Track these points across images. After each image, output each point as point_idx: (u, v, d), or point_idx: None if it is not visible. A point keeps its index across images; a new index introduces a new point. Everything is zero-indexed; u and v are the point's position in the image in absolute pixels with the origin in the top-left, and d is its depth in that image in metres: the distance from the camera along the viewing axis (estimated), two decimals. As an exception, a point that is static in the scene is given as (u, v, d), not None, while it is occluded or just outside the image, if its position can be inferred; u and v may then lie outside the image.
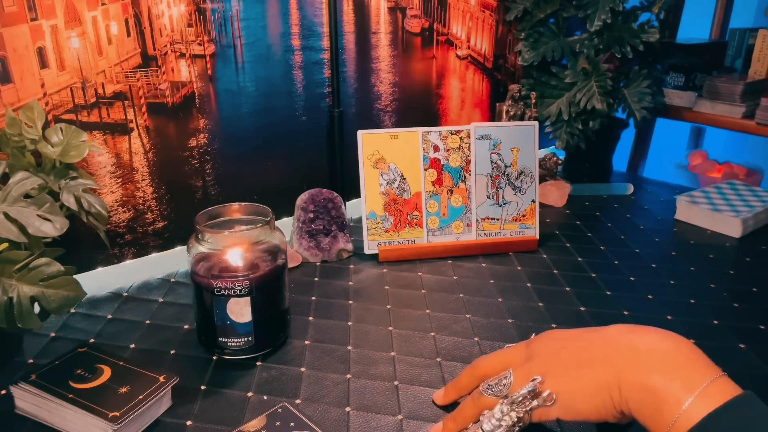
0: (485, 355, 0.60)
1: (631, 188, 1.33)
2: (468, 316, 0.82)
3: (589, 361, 0.50)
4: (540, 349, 0.54)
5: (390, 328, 0.79)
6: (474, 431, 0.53)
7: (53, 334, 0.76)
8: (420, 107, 1.33)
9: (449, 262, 0.99)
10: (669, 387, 0.44)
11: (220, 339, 0.70)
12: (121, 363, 0.65)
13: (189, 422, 0.62)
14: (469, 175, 1.00)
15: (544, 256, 1.01)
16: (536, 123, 1.01)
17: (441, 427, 0.59)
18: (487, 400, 0.53)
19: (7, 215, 0.60)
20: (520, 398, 0.51)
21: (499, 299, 0.87)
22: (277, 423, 0.60)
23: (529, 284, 0.91)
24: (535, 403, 0.51)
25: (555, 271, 0.96)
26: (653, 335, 0.48)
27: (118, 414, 0.57)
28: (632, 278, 0.94)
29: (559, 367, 0.51)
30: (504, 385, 0.53)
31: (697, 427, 0.42)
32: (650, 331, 0.49)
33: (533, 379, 0.51)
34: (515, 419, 0.51)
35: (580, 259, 1.00)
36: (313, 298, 0.87)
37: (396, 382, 0.68)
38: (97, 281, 0.88)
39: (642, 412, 0.46)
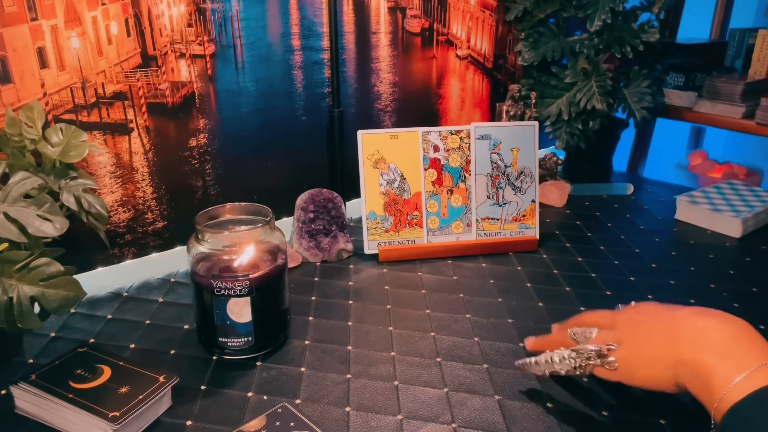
0: (576, 316, 0.68)
1: (631, 188, 1.33)
2: (468, 316, 0.82)
3: (654, 336, 0.55)
4: (623, 321, 0.60)
5: (390, 328, 0.79)
6: (547, 357, 0.62)
7: (53, 334, 0.76)
8: (420, 107, 1.33)
9: (449, 262, 0.99)
10: (720, 366, 0.49)
11: (220, 339, 0.70)
12: (121, 363, 0.65)
13: (189, 422, 0.62)
14: (469, 175, 1.00)
15: (544, 256, 1.01)
16: (536, 123, 1.01)
17: (534, 340, 0.70)
18: (569, 340, 0.62)
19: (7, 215, 0.60)
20: (584, 353, 0.59)
21: (499, 299, 0.87)
22: (277, 423, 0.60)
23: (529, 284, 0.91)
24: (598, 361, 0.58)
25: (555, 271, 0.96)
26: (716, 318, 0.53)
27: (118, 414, 0.57)
28: (632, 278, 0.94)
29: (632, 339, 0.57)
30: (585, 336, 0.60)
31: (740, 402, 0.46)
32: (715, 315, 0.54)
33: (608, 346, 0.57)
34: (576, 365, 0.59)
35: (580, 259, 1.00)
36: (313, 298, 0.87)
37: (396, 382, 0.68)
38: (97, 281, 0.88)
39: (694, 385, 0.50)
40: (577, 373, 0.60)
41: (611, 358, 0.57)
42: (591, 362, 0.58)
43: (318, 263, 0.97)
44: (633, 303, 0.64)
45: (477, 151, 1.00)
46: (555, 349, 0.62)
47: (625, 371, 0.56)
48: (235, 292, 0.68)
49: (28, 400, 0.61)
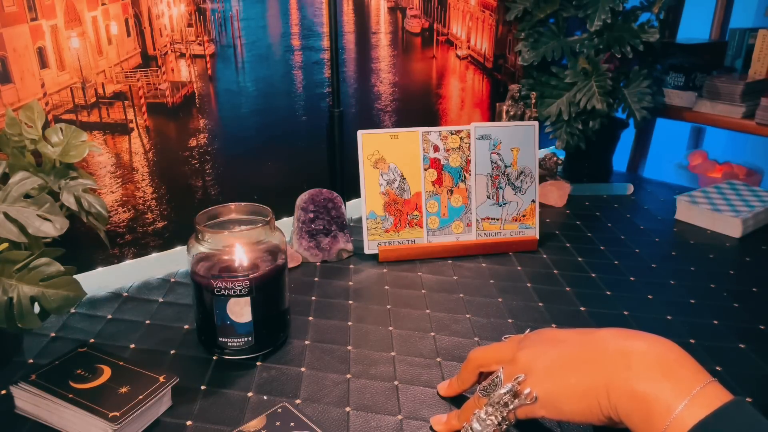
0: (479, 347, 0.61)
1: (631, 188, 1.33)
2: (468, 316, 0.82)
3: (577, 364, 0.50)
4: (529, 348, 0.54)
5: (390, 328, 0.79)
6: (465, 430, 0.55)
7: (53, 334, 0.76)
8: (420, 107, 1.33)
9: (449, 262, 0.99)
10: (659, 394, 0.44)
11: (220, 339, 0.70)
12: (121, 363, 0.65)
13: (189, 422, 0.62)
14: (469, 175, 1.00)
15: (544, 256, 1.01)
16: (536, 123, 1.01)
17: (446, 419, 0.60)
18: (484, 400, 0.55)
19: (7, 215, 0.60)
20: (498, 399, 0.52)
21: (499, 299, 0.87)
22: (277, 423, 0.60)
23: (529, 284, 0.91)
24: (516, 402, 0.52)
25: (555, 271, 0.96)
26: (643, 340, 0.48)
27: (118, 414, 0.57)
28: (632, 278, 0.94)
29: (545, 367, 0.51)
30: (495, 384, 0.54)
31: None
32: (640, 336, 0.49)
33: (515, 378, 0.52)
34: (500, 419, 0.53)
35: (580, 259, 1.00)
36: (313, 298, 0.87)
37: (396, 382, 0.68)
38: (97, 281, 0.88)
39: (632, 419, 0.45)
40: (504, 427, 0.53)
41: (526, 390, 0.51)
42: (511, 407, 0.51)
43: (318, 263, 0.97)
44: (528, 330, 0.58)
45: (477, 151, 1.00)
46: (471, 416, 0.55)
47: (549, 405, 0.50)
48: (235, 292, 0.68)
49: (28, 400, 0.61)
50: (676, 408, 0.43)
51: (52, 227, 0.62)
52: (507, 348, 0.57)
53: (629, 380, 0.46)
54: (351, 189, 1.14)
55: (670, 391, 0.44)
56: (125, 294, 0.87)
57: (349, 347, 0.75)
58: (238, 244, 0.69)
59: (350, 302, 0.86)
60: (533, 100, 1.21)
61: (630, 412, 0.45)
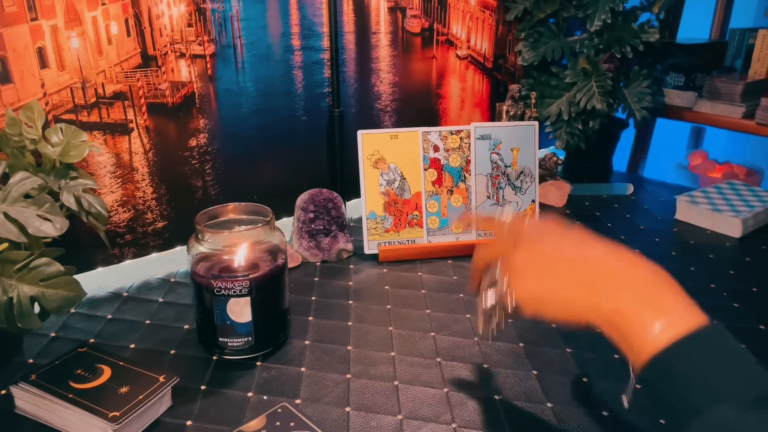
0: (479, 247, 0.60)
1: (631, 188, 1.33)
2: (468, 316, 0.82)
3: (566, 279, 0.51)
4: (524, 252, 0.54)
5: (390, 328, 0.79)
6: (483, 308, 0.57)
7: (53, 334, 0.76)
8: (420, 107, 1.33)
9: (449, 262, 0.99)
10: (639, 313, 0.46)
11: (220, 339, 0.70)
12: (121, 363, 0.65)
13: (189, 422, 0.62)
14: (469, 175, 1.00)
15: (544, 256, 1.01)
16: (536, 123, 1.01)
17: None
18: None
19: (7, 215, 0.60)
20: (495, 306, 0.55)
21: (499, 299, 0.87)
22: (277, 423, 0.60)
23: (529, 284, 0.91)
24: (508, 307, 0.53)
25: (555, 271, 0.95)
26: (630, 261, 0.51)
27: (118, 414, 0.57)
28: (632, 278, 0.93)
29: (539, 273, 0.52)
30: (492, 281, 0.57)
31: (661, 353, 0.43)
32: (629, 257, 0.51)
33: (504, 282, 0.54)
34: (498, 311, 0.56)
35: (580, 259, 1.00)
36: (313, 298, 0.87)
37: (396, 382, 0.68)
38: (97, 281, 0.88)
39: (613, 334, 0.48)
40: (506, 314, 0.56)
41: (513, 296, 0.53)
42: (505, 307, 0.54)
43: (318, 263, 0.97)
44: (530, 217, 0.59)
45: (477, 151, 1.00)
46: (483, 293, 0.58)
47: (534, 308, 0.52)
48: (235, 292, 0.68)
49: (28, 400, 0.61)
50: (653, 328, 0.45)
51: (52, 227, 0.62)
52: (504, 244, 0.57)
53: (614, 300, 0.48)
54: (351, 189, 1.14)
55: (650, 312, 0.46)
56: (125, 294, 0.87)
57: (349, 347, 0.75)
58: (238, 244, 0.69)
59: (350, 302, 0.86)
60: (533, 100, 1.21)
61: (611, 328, 0.48)
